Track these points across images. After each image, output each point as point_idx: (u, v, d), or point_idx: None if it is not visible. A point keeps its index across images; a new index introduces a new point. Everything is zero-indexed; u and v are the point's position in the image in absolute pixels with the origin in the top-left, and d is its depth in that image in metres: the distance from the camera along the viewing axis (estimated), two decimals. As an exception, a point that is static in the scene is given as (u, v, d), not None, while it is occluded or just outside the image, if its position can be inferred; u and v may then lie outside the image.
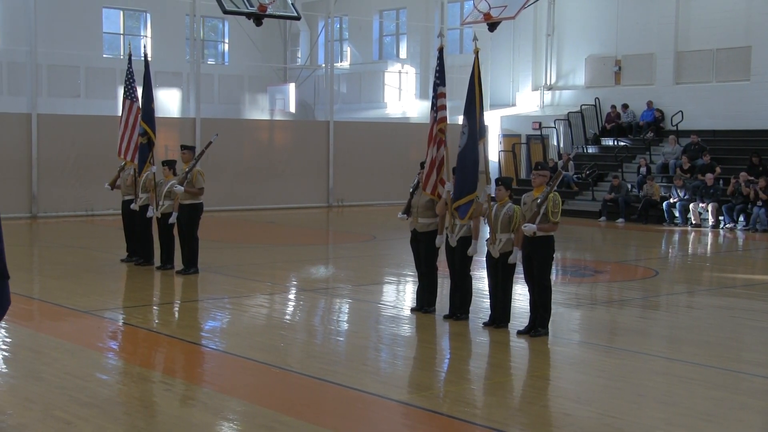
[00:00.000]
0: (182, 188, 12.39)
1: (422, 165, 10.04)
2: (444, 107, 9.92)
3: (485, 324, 9.38)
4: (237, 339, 9.04)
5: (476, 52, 9.51)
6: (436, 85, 10.05)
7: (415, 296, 10.30)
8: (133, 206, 13.50)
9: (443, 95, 9.97)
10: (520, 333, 9.06)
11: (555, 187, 8.97)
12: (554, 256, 9.17)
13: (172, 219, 12.69)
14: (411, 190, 10.23)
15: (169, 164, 13.02)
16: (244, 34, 29.58)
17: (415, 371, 7.93)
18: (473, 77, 9.49)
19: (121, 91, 15.43)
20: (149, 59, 14.36)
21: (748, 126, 23.60)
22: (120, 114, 14.46)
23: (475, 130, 9.48)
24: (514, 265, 9.19)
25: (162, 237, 13.05)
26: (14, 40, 25.22)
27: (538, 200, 8.86)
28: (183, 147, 13.02)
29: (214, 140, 12.81)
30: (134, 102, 13.98)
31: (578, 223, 21.96)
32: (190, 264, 12.71)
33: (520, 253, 9.05)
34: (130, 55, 14.24)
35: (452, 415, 6.48)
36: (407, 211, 10.25)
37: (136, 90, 14.05)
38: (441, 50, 10.30)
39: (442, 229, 9.86)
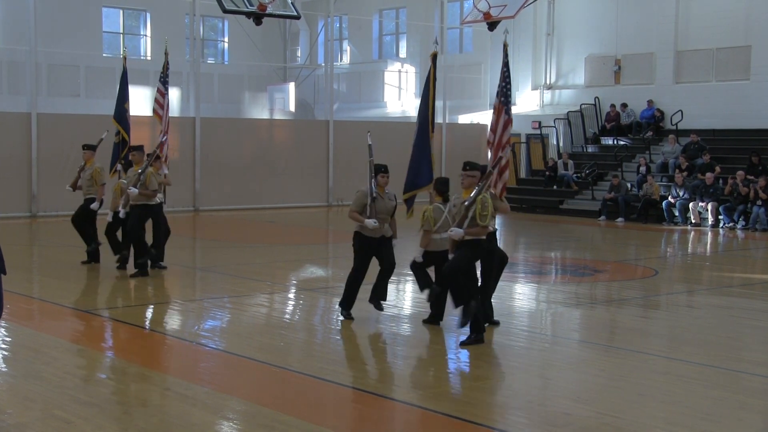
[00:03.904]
0: (136, 190, 12.31)
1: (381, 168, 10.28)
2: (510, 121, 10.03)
3: (425, 321, 9.46)
4: (237, 338, 9.04)
5: (433, 56, 9.82)
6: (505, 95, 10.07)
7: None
8: (93, 206, 13.44)
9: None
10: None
11: (485, 189, 8.53)
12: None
13: (110, 217, 12.90)
14: (373, 195, 10.19)
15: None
16: (244, 33, 29.57)
17: (414, 370, 7.93)
18: (428, 79, 9.79)
19: (120, 91, 15.58)
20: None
21: (748, 125, 23.60)
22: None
23: (426, 127, 9.94)
24: (447, 262, 8.84)
25: (127, 238, 12.80)
26: (14, 40, 25.22)
27: (466, 203, 8.47)
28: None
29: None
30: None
31: (578, 222, 21.96)
32: (143, 260, 12.36)
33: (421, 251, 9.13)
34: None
35: (452, 414, 6.47)
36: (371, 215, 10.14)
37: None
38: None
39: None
